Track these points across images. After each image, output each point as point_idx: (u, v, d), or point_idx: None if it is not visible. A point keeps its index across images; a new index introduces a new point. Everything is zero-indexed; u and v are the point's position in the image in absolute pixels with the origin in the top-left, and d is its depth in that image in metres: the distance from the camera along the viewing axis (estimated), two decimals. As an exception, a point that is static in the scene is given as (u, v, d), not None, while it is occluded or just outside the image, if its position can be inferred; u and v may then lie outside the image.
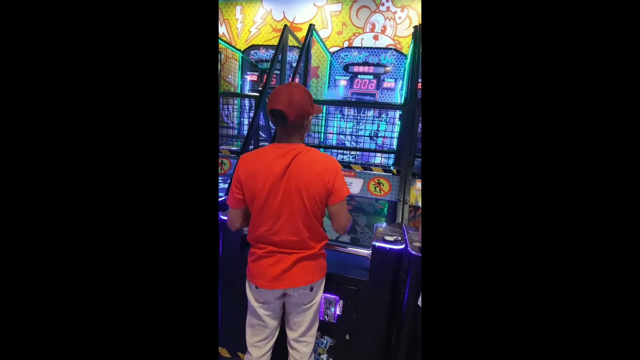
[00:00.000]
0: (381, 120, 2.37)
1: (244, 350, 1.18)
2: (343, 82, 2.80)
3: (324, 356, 1.37)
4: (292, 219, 1.03)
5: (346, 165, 1.75)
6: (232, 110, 2.90)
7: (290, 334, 1.17)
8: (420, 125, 1.74)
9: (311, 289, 1.09)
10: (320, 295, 1.15)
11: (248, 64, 3.13)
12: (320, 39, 2.63)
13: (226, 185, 1.63)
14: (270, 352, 1.19)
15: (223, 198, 1.53)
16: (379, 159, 2.01)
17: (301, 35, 2.63)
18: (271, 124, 2.07)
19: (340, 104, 2.61)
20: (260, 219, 1.05)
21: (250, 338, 1.18)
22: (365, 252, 1.30)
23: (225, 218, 1.27)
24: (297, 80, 2.32)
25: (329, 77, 2.84)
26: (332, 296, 1.30)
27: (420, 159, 1.79)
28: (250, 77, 3.17)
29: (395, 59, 2.68)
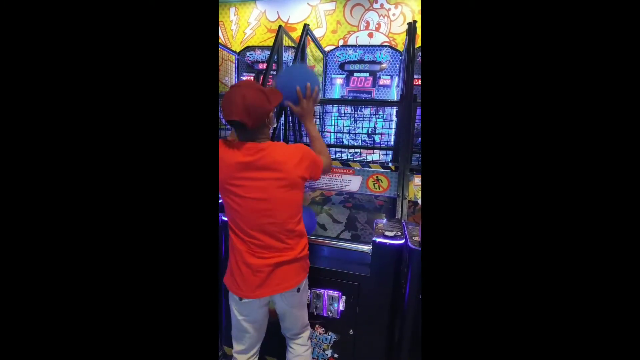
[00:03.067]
0: (378, 118, 2.38)
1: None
2: (339, 80, 2.81)
3: (329, 352, 1.39)
4: (270, 223, 0.99)
5: (344, 163, 1.76)
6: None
7: (290, 331, 1.20)
8: (417, 121, 1.75)
9: (298, 290, 1.08)
10: (306, 290, 1.17)
11: (244, 66, 3.14)
12: (315, 39, 2.64)
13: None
14: (257, 353, 1.18)
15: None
16: (377, 155, 2.02)
17: (296, 35, 2.64)
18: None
19: (336, 102, 2.62)
20: (239, 225, 1.01)
21: (236, 345, 1.15)
22: (366, 248, 1.31)
23: (226, 219, 1.28)
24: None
25: (325, 76, 2.85)
26: (335, 292, 1.32)
27: (417, 155, 1.80)
28: (247, 78, 3.18)
29: (390, 56, 2.69)
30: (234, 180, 0.98)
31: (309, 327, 1.25)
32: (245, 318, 1.09)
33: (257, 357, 1.19)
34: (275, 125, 1.07)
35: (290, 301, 1.09)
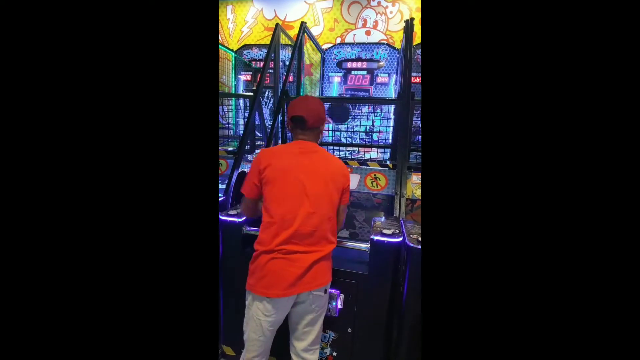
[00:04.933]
0: (376, 116, 2.38)
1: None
2: (337, 78, 2.80)
3: (328, 350, 1.39)
4: (318, 208, 1.04)
5: (342, 161, 1.76)
6: (228, 111, 2.90)
7: (299, 344, 1.14)
8: (415, 119, 1.75)
9: (325, 291, 1.10)
10: (327, 298, 1.16)
11: (241, 64, 3.12)
12: (313, 37, 2.63)
13: (224, 186, 1.63)
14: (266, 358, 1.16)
15: (222, 198, 1.54)
16: (375, 154, 2.02)
17: (293, 33, 2.62)
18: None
19: (334, 100, 2.61)
20: (280, 210, 1.03)
21: (248, 353, 1.13)
22: (364, 246, 1.31)
23: (225, 218, 1.28)
24: (290, 78, 2.32)
25: (323, 74, 2.84)
26: (333, 290, 1.32)
27: (415, 153, 1.80)
28: (244, 76, 3.16)
29: (388, 53, 2.68)
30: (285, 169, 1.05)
31: (318, 349, 1.19)
32: (267, 320, 1.06)
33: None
34: (322, 136, 1.26)
35: (318, 303, 1.09)
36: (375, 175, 1.70)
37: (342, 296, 1.32)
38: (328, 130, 2.27)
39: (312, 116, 1.10)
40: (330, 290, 1.31)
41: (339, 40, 3.06)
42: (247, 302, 1.11)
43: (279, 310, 1.06)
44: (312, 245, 1.04)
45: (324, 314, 1.15)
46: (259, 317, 1.06)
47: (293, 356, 1.17)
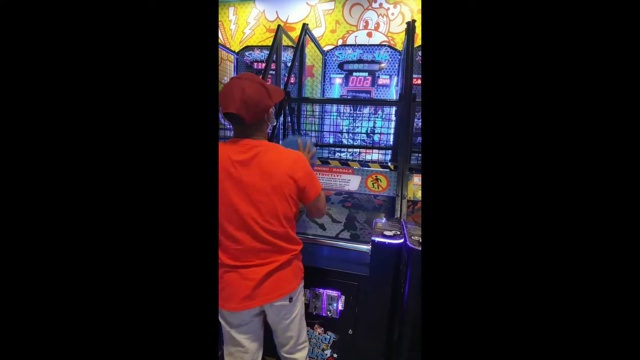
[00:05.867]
0: (377, 117, 2.38)
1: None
2: (338, 80, 2.81)
3: (328, 351, 1.39)
4: (260, 224, 0.91)
5: (344, 163, 1.76)
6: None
7: (283, 348, 1.11)
8: (415, 120, 1.75)
9: (290, 300, 0.99)
10: (302, 301, 1.08)
11: (243, 65, 3.14)
12: (314, 38, 2.64)
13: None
14: None
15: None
16: (376, 155, 2.02)
17: (295, 34, 2.63)
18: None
19: (336, 102, 2.62)
20: (223, 226, 0.92)
21: None
22: (365, 247, 1.31)
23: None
24: (292, 79, 2.32)
25: (324, 76, 2.85)
26: (334, 292, 1.32)
27: (416, 154, 1.80)
28: (246, 77, 3.17)
29: (389, 55, 2.69)
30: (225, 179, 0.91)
31: (307, 346, 1.15)
32: (235, 330, 0.99)
33: None
34: (274, 124, 1.00)
35: (281, 313, 1.01)
36: (376, 176, 1.70)
37: (342, 297, 1.32)
38: (329, 132, 2.28)
39: (249, 110, 0.87)
40: (330, 291, 1.31)
41: (340, 42, 3.07)
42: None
43: (243, 320, 0.98)
44: (262, 260, 0.93)
45: (299, 317, 1.07)
46: (227, 328, 1.01)
47: (281, 357, 1.15)
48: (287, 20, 3.21)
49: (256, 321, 1.02)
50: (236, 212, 0.91)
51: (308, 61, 2.76)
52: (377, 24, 2.98)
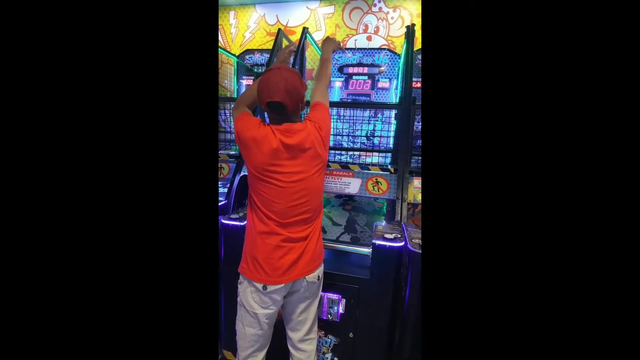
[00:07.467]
0: (377, 120, 2.38)
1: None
2: (338, 83, 2.82)
3: (329, 355, 1.38)
4: (308, 201, 1.00)
5: (344, 166, 1.76)
6: (229, 115, 2.91)
7: (295, 335, 1.13)
8: (415, 123, 1.76)
9: (318, 277, 1.08)
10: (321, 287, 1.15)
11: (243, 69, 3.15)
12: (314, 42, 2.65)
13: (225, 190, 1.64)
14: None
15: (224, 202, 1.54)
16: (376, 158, 2.03)
17: (295, 38, 2.64)
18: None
19: (336, 105, 2.62)
20: (271, 204, 0.99)
21: (243, 351, 1.07)
22: (366, 250, 1.31)
23: (227, 222, 1.28)
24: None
25: (324, 79, 2.85)
26: (335, 295, 1.32)
27: (416, 157, 1.80)
28: (246, 81, 3.18)
29: (389, 59, 2.70)
30: (274, 163, 0.97)
31: (315, 339, 1.18)
32: (264, 312, 1.02)
33: None
34: (304, 110, 1.10)
35: (311, 289, 1.07)
36: (376, 179, 1.71)
37: (343, 301, 1.31)
38: (329, 135, 2.27)
39: (292, 99, 0.93)
40: (331, 294, 1.31)
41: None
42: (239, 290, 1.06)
43: (273, 300, 1.03)
44: (303, 228, 1.02)
45: (318, 301, 1.14)
46: (256, 310, 1.03)
47: (290, 348, 1.15)
48: (287, 24, 3.23)
49: (279, 304, 1.06)
50: (286, 195, 0.98)
51: (308, 65, 2.77)
52: (377, 27, 3.00)
